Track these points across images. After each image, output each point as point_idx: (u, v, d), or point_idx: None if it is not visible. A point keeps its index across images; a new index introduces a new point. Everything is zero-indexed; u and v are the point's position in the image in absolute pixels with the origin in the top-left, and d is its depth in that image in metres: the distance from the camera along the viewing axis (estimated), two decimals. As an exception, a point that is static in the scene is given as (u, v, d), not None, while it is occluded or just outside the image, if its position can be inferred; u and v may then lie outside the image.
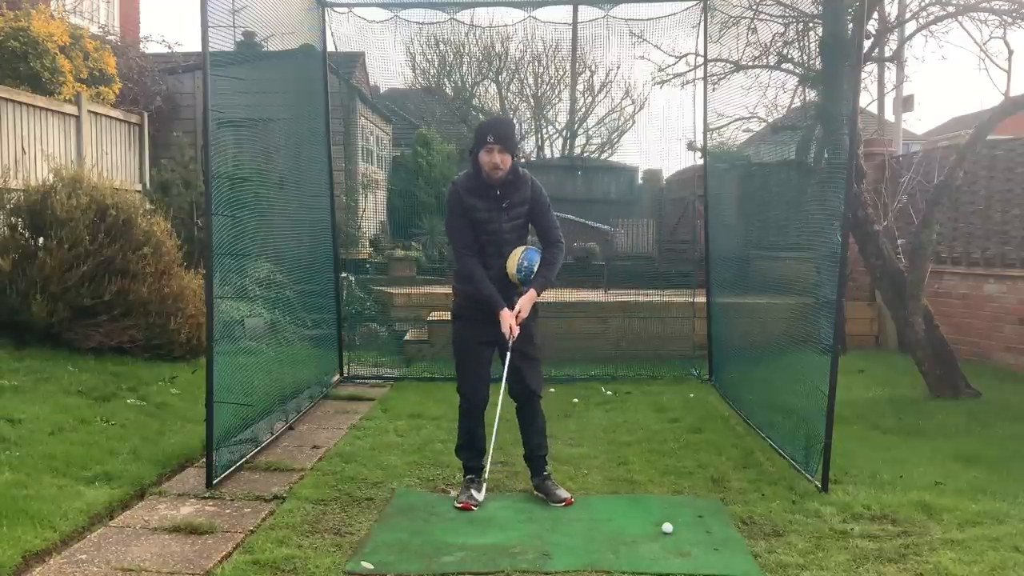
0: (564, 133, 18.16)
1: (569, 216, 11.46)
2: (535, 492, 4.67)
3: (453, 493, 4.65)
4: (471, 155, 4.53)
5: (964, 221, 8.90)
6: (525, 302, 4.51)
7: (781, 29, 7.46)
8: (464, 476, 4.67)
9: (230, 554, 3.74)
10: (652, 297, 9.15)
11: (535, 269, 4.52)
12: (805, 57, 7.39)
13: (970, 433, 5.99)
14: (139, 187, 10.15)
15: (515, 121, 19.24)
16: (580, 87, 16.72)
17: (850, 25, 6.05)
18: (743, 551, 3.87)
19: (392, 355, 9.06)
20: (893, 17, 8.89)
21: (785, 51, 7.53)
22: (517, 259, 4.51)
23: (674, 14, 7.76)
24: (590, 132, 18.12)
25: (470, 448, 4.66)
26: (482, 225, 4.51)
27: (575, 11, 7.98)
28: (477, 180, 4.50)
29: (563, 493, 4.58)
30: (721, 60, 7.68)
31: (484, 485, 4.59)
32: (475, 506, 4.44)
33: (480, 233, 4.52)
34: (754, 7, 7.15)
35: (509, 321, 4.43)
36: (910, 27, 8.87)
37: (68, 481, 4.41)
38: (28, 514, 3.88)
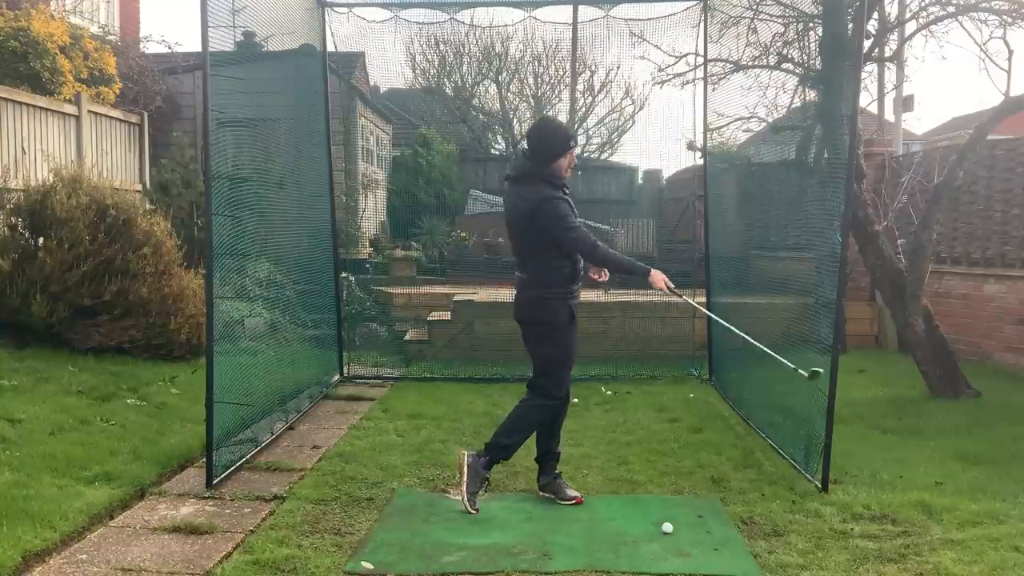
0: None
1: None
2: (541, 492, 4.67)
3: (453, 493, 4.65)
4: (539, 165, 4.49)
5: (964, 221, 8.90)
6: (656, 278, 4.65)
7: (781, 29, 7.47)
8: (485, 475, 4.58)
9: (230, 554, 3.75)
10: (652, 297, 9.14)
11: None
12: (805, 57, 7.39)
13: (970, 433, 5.98)
14: (139, 187, 10.16)
15: (515, 121, 19.27)
16: (580, 87, 16.71)
17: (850, 25, 6.05)
18: (743, 551, 3.88)
19: (392, 355, 9.06)
20: (893, 17, 8.89)
21: (785, 51, 7.54)
22: None
23: (674, 14, 7.76)
24: (590, 132, 18.12)
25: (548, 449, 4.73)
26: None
27: (575, 11, 7.97)
28: (558, 184, 4.53)
29: (572, 492, 4.59)
30: (721, 60, 7.68)
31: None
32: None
33: None
34: (754, 7, 7.16)
35: (664, 279, 4.50)
36: (910, 27, 8.87)
37: (68, 481, 4.41)
38: (28, 514, 3.88)
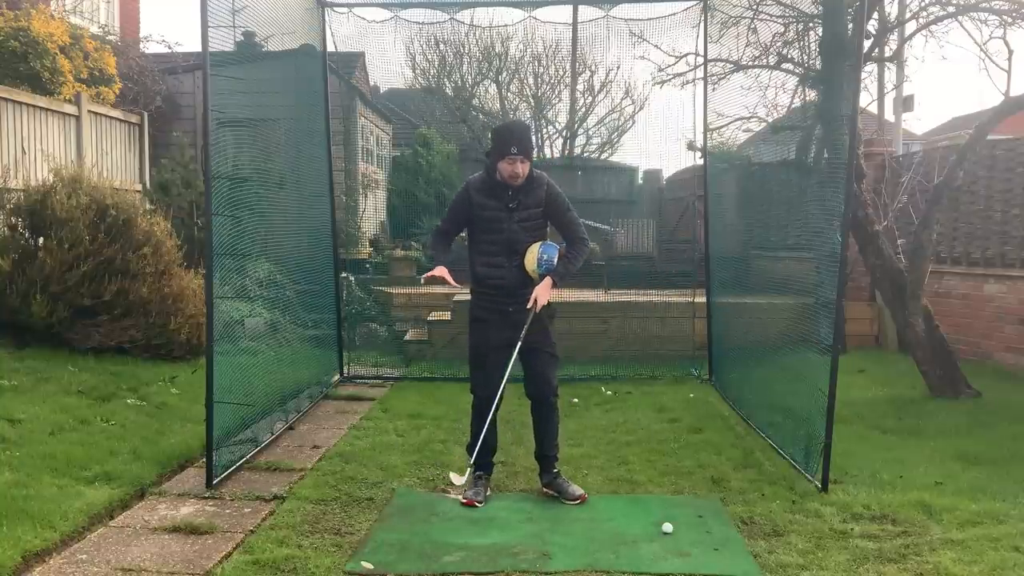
0: (564, 133, 18.14)
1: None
2: (544, 491, 4.67)
3: (453, 493, 4.65)
4: (488, 156, 4.58)
5: (964, 221, 8.90)
6: (541, 291, 4.53)
7: (781, 29, 7.47)
8: (472, 473, 4.64)
9: (230, 554, 3.74)
10: (652, 297, 9.15)
11: (555, 262, 4.55)
12: (805, 57, 7.39)
13: (970, 433, 5.98)
14: (139, 187, 10.16)
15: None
16: (580, 87, 16.70)
17: (850, 25, 6.05)
18: (743, 551, 3.87)
19: (392, 355, 9.06)
20: (893, 17, 8.90)
21: (785, 51, 7.54)
22: (536, 253, 4.54)
23: (674, 14, 7.76)
24: (590, 132, 18.09)
25: (480, 445, 4.66)
26: (488, 223, 4.56)
27: (575, 11, 7.98)
28: (492, 180, 4.55)
29: (577, 490, 4.59)
30: (721, 60, 7.68)
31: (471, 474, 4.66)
32: (479, 503, 4.46)
33: (486, 232, 4.57)
34: (754, 7, 7.16)
35: (443, 274, 4.58)
36: (910, 27, 8.88)
37: (68, 481, 4.40)
38: (28, 514, 3.88)
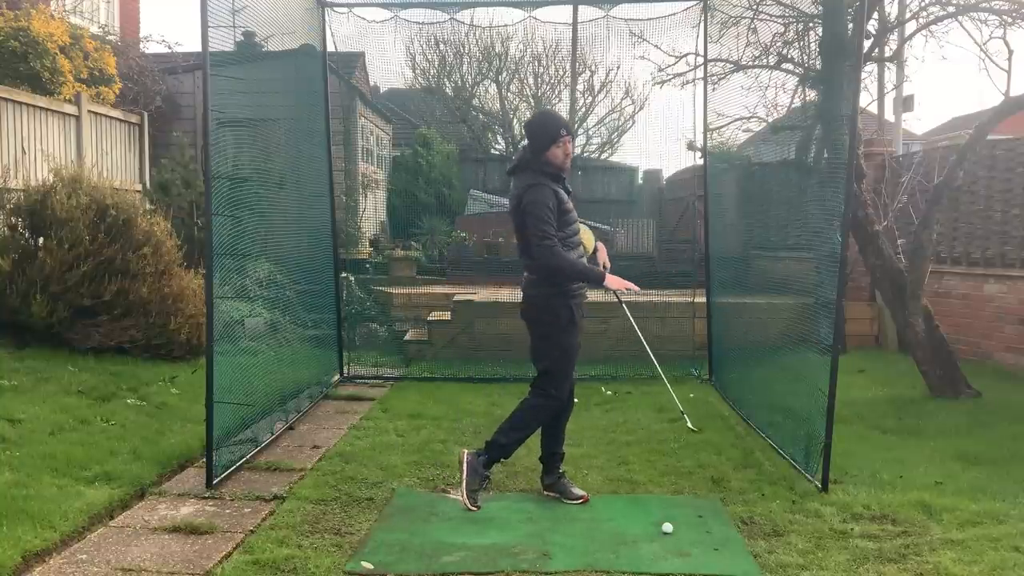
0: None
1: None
2: (546, 492, 4.67)
3: (453, 493, 4.65)
4: (538, 153, 4.47)
5: (964, 221, 8.90)
6: (602, 253, 4.83)
7: (781, 29, 7.47)
8: (485, 473, 4.60)
9: (230, 554, 3.75)
10: (652, 297, 9.14)
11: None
12: (805, 57, 7.40)
13: (970, 433, 5.98)
14: (139, 187, 10.16)
15: (515, 121, 19.26)
16: (580, 87, 16.71)
17: (850, 25, 6.05)
18: (743, 551, 3.87)
19: (392, 355, 9.06)
20: (893, 17, 8.89)
21: (785, 51, 7.54)
22: (591, 233, 4.74)
23: (674, 14, 7.76)
24: (590, 132, 18.12)
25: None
26: (569, 216, 4.51)
27: (575, 11, 7.96)
28: (552, 174, 4.48)
29: (579, 491, 4.59)
30: (721, 60, 7.68)
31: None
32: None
33: (567, 225, 4.51)
34: (754, 7, 7.16)
35: (622, 282, 4.53)
36: (910, 27, 8.88)
37: (68, 481, 4.40)
38: (28, 514, 3.88)
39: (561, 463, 4.75)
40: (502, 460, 4.64)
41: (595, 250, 4.97)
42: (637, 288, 4.57)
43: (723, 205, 8.00)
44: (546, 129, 4.51)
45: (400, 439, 5.79)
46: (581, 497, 4.54)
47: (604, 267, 4.71)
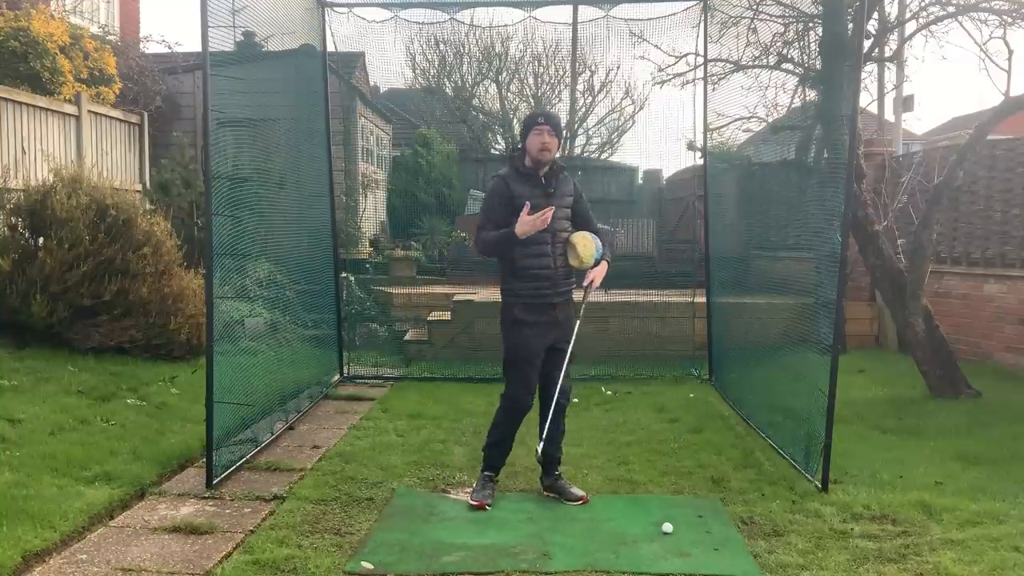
0: (564, 133, 18.16)
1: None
2: (546, 492, 4.67)
3: (453, 493, 4.65)
4: (518, 148, 4.57)
5: (964, 221, 8.90)
6: (600, 273, 4.62)
7: (781, 29, 7.47)
8: (483, 473, 4.63)
9: (230, 554, 3.75)
10: (652, 297, 9.14)
11: (603, 249, 4.62)
12: (805, 57, 7.39)
13: (970, 433, 5.98)
14: (139, 187, 10.16)
15: (515, 121, 19.24)
16: (580, 87, 16.69)
17: (850, 25, 6.05)
18: (743, 551, 3.88)
19: (392, 355, 9.06)
20: (893, 17, 8.90)
21: (785, 51, 7.54)
22: (592, 243, 4.53)
23: (674, 14, 7.75)
24: (590, 132, 18.09)
25: (502, 446, 4.65)
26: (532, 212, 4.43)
27: (575, 11, 7.97)
28: (524, 169, 4.51)
29: (578, 492, 4.59)
30: (721, 60, 7.68)
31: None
32: (488, 506, 4.44)
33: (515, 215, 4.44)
34: (754, 7, 7.16)
35: (532, 223, 4.31)
36: (910, 27, 8.88)
37: (68, 481, 4.40)
38: (28, 514, 3.88)
39: (555, 466, 4.71)
40: (493, 463, 4.66)
41: (594, 263, 4.62)
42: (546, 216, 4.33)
43: (723, 205, 8.00)
44: (528, 118, 4.62)
45: (400, 439, 5.79)
46: (580, 498, 4.54)
47: (591, 284, 4.60)
